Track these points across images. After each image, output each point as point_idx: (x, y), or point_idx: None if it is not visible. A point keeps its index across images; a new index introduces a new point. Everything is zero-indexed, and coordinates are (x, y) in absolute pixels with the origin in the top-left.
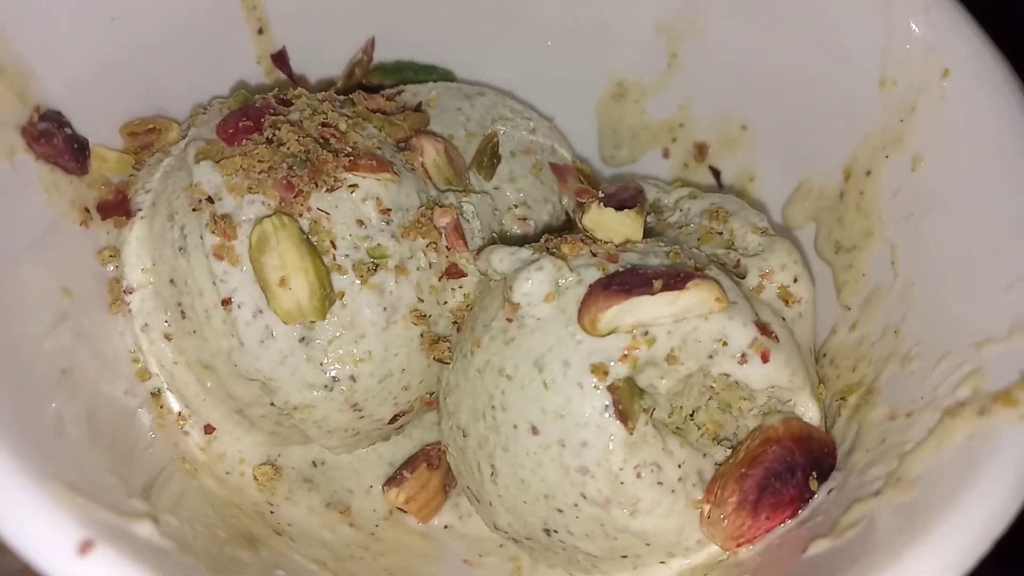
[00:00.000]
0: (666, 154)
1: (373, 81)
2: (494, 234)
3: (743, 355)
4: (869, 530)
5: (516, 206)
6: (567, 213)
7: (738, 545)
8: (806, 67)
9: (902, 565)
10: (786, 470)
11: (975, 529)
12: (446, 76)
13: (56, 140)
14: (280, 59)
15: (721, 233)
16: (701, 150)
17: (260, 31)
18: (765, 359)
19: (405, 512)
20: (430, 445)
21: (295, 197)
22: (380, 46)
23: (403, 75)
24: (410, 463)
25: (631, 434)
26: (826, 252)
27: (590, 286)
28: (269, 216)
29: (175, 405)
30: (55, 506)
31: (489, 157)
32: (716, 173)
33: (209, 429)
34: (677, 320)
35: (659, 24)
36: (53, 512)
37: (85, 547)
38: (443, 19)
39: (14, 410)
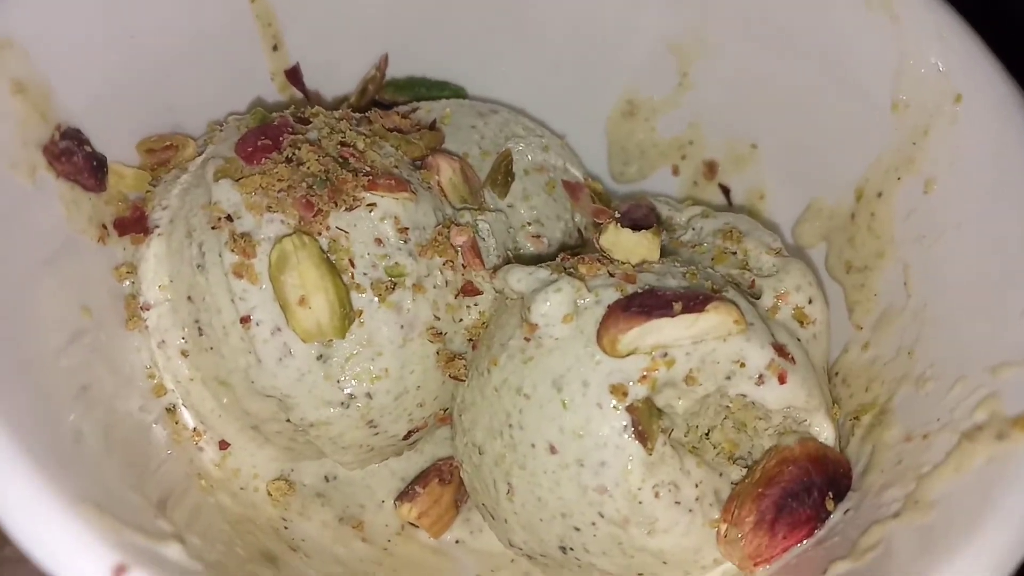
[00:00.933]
0: (675, 171)
1: (386, 97)
2: (508, 252)
3: (760, 376)
4: (888, 553)
5: (530, 224)
6: (580, 231)
7: (755, 564)
8: (817, 88)
9: None
10: (802, 490)
11: (997, 554)
12: (457, 92)
13: (76, 158)
14: (294, 75)
15: (735, 253)
16: (711, 168)
17: (275, 48)
18: (782, 380)
19: (417, 527)
20: (442, 460)
21: (314, 216)
22: (392, 62)
23: (415, 91)
24: (422, 478)
25: (650, 454)
26: (837, 272)
27: (609, 307)
28: (289, 235)
29: (190, 421)
30: (87, 529)
31: (503, 175)
32: (726, 191)
33: (224, 445)
34: (696, 342)
35: (670, 43)
36: (86, 535)
37: (119, 571)
38: (454, 36)
39: (38, 428)
